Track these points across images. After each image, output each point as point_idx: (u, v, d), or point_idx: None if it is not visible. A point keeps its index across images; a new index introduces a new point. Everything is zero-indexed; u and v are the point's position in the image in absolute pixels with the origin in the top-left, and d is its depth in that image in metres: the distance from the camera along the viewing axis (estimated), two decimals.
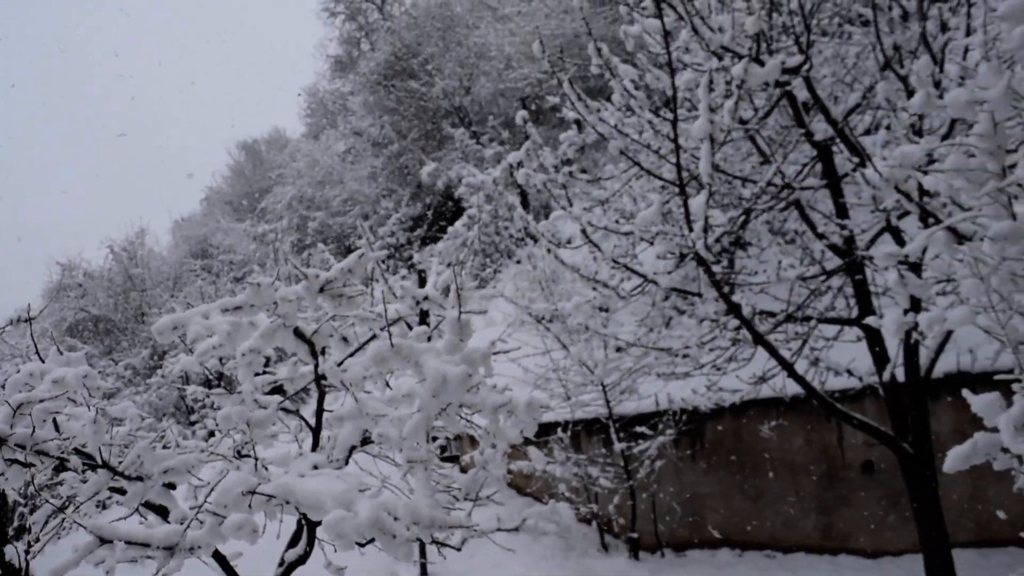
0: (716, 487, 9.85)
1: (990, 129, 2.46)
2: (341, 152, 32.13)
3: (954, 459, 2.74)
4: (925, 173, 2.91)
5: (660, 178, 6.15)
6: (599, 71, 6.42)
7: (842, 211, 6.44)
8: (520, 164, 7.48)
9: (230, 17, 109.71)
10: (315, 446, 4.40)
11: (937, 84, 6.13)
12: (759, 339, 5.88)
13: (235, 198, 42.97)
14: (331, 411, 4.03)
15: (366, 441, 4.20)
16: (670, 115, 5.69)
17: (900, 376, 6.36)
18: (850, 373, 7.17)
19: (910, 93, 5.97)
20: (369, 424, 3.70)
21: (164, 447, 4.41)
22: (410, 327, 4.73)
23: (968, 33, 6.03)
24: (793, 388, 8.25)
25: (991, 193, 2.41)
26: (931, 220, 5.18)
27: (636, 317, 8.20)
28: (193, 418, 21.17)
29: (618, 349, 8.51)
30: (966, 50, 5.42)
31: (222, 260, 32.40)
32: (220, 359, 5.92)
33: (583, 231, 6.26)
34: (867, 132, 6.85)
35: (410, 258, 21.50)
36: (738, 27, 5.83)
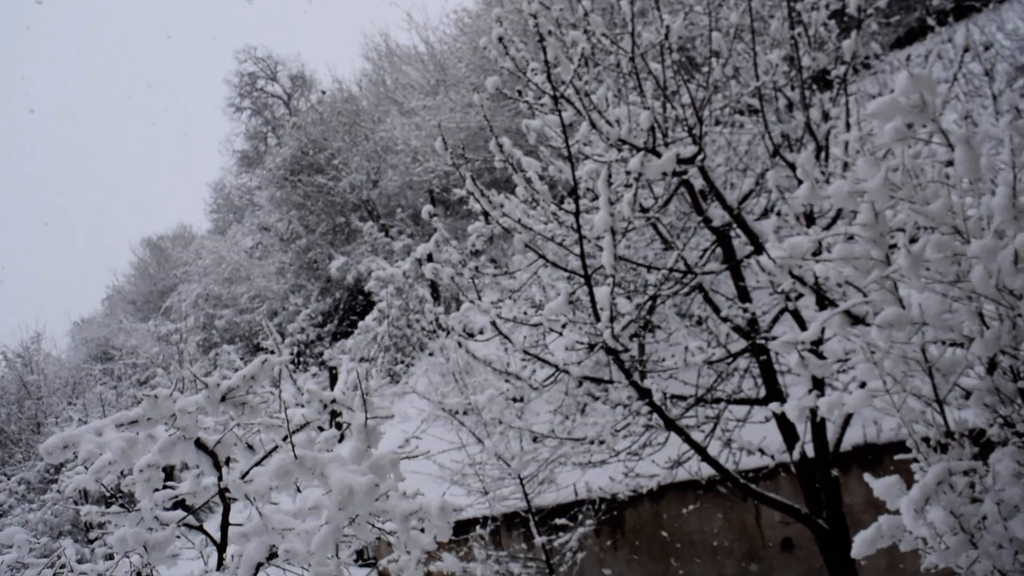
0: (639, 575, 9.74)
1: (871, 218, 2.56)
2: (248, 247, 31.75)
3: (861, 544, 2.76)
4: (817, 259, 3.02)
5: (565, 270, 6.22)
6: (503, 165, 6.52)
7: (743, 294, 6.61)
8: (429, 257, 7.48)
9: (133, 117, 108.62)
10: (220, 564, 4.17)
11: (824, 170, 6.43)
12: (671, 425, 5.91)
13: (139, 297, 41.84)
14: (239, 525, 3.84)
15: (274, 556, 4.01)
16: (573, 207, 5.80)
17: (810, 452, 6.46)
18: (762, 452, 7.25)
19: (800, 179, 6.23)
20: (276, 539, 3.54)
21: (58, 572, 4.13)
22: (322, 428, 4.60)
23: (848, 120, 6.38)
24: (709, 470, 8.30)
25: (877, 280, 2.50)
26: (827, 301, 5.36)
27: (551, 405, 8.16)
28: (92, 535, 20.00)
29: (534, 439, 8.44)
30: (847, 144, 5.72)
31: (124, 363, 31.21)
32: (121, 472, 5.61)
33: (493, 323, 6.25)
34: (765, 213, 7.10)
35: (320, 354, 21.12)
36: (634, 119, 6.03)
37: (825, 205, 6.20)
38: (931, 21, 13.98)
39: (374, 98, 29.85)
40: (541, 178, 6.87)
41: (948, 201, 2.51)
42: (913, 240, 3.03)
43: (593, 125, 5.94)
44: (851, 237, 2.93)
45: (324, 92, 31.72)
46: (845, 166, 5.87)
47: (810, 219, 6.08)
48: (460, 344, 6.45)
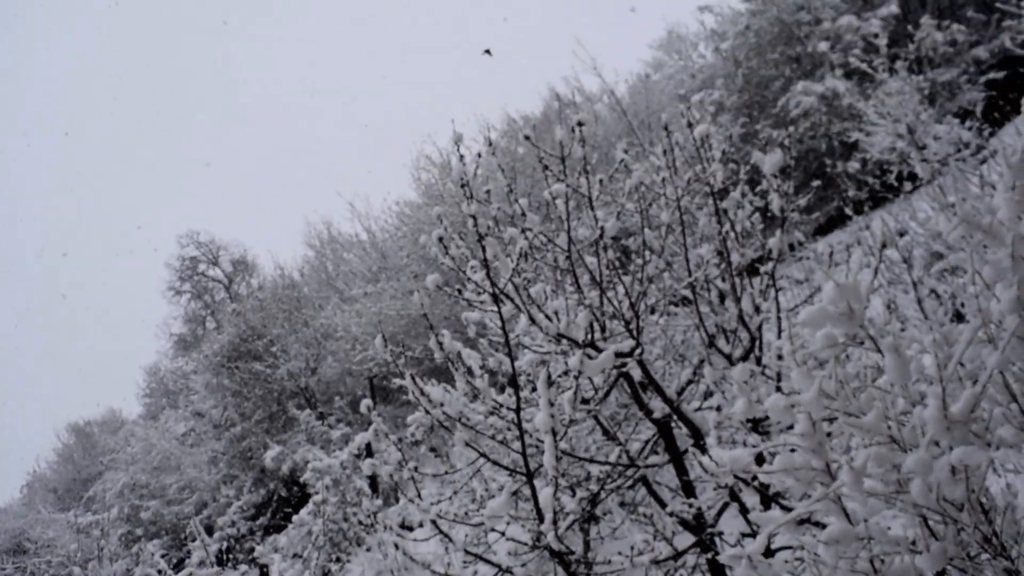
0: None
1: (809, 429, 2.58)
2: (180, 435, 30.78)
3: None
4: (759, 471, 3.00)
5: (507, 468, 6.12)
6: (442, 359, 6.50)
7: (687, 487, 6.53)
8: (368, 448, 7.28)
9: (71, 297, 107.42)
10: None
11: (759, 360, 6.56)
12: None
13: (61, 485, 39.87)
14: None
15: None
16: (513, 402, 5.76)
17: None
18: None
19: (735, 366, 6.32)
20: None
21: None
22: None
23: (779, 311, 6.57)
24: None
25: (821, 495, 2.49)
26: (771, 500, 5.32)
27: None
28: None
29: None
30: (780, 353, 5.87)
31: (39, 559, 29.21)
32: None
33: (433, 522, 6.04)
34: (705, 397, 7.11)
35: (251, 550, 20.08)
36: (572, 312, 6.12)
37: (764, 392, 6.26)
38: (848, 211, 14.87)
39: (315, 285, 30.12)
40: (482, 367, 6.86)
41: (882, 411, 2.54)
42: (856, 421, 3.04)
43: (532, 320, 6.01)
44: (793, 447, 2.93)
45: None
46: (779, 377, 6.01)
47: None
48: (397, 546, 6.19)
